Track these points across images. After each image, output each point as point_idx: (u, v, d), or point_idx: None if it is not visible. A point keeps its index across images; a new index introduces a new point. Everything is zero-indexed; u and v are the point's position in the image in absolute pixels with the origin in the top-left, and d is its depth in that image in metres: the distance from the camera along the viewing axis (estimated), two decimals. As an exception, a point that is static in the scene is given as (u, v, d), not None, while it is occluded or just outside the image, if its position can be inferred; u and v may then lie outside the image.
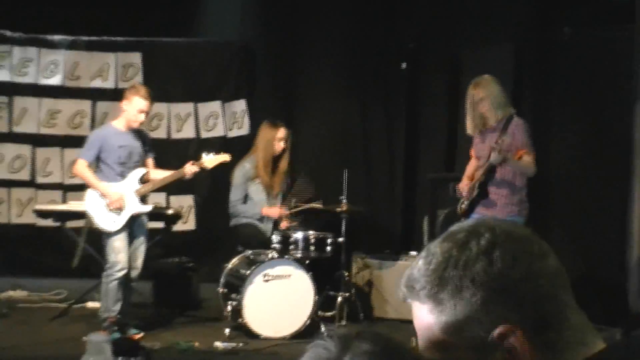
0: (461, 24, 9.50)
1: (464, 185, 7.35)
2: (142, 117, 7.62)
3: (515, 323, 1.38)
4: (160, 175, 7.82)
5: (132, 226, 7.65)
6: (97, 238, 7.79)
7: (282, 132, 8.48)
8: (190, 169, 7.73)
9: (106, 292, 7.53)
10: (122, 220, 7.54)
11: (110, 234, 7.51)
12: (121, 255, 7.50)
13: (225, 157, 8.00)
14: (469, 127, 7.28)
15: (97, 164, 7.61)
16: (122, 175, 7.60)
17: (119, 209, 7.52)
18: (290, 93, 10.38)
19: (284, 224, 8.48)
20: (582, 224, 8.34)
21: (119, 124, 7.68)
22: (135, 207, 7.61)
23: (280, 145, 8.47)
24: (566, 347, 1.38)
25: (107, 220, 7.52)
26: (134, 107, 7.54)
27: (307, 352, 1.37)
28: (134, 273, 7.70)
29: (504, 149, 6.87)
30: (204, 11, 10.43)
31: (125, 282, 7.59)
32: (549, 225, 8.37)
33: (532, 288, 1.37)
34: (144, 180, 7.73)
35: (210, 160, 7.91)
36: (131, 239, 7.64)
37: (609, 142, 8.45)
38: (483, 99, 7.12)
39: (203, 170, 7.94)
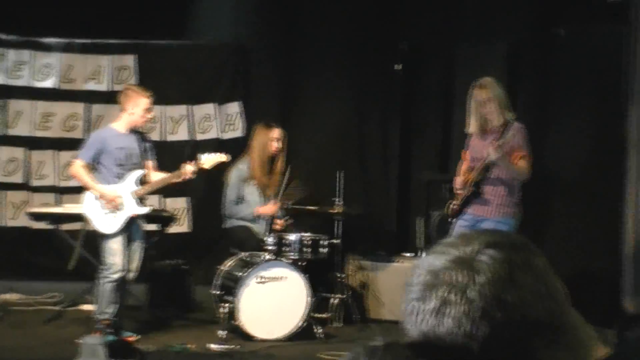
0: (455, 24, 9.52)
1: (458, 181, 7.35)
2: (150, 115, 7.74)
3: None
4: (159, 177, 7.82)
5: (129, 228, 7.64)
6: (92, 240, 7.78)
7: (276, 133, 8.48)
8: (187, 169, 7.73)
9: (101, 294, 7.52)
10: (119, 222, 7.53)
11: (107, 236, 7.50)
12: (118, 258, 7.49)
13: (223, 157, 7.99)
14: (472, 126, 7.26)
15: (94, 165, 7.61)
16: (120, 177, 7.59)
17: (115, 210, 7.51)
18: (285, 95, 10.38)
19: (278, 224, 8.47)
20: (577, 223, 8.35)
21: (119, 126, 7.68)
22: (132, 209, 7.60)
23: (275, 146, 8.47)
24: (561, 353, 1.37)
25: (104, 223, 7.52)
26: (141, 107, 7.58)
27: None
28: (130, 275, 7.69)
29: (505, 149, 6.89)
30: (198, 13, 10.43)
31: (122, 284, 7.58)
32: (544, 225, 8.38)
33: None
34: (142, 182, 7.73)
35: (208, 160, 7.90)
36: (128, 241, 7.63)
37: (604, 140, 8.47)
38: (489, 101, 7.12)
39: (201, 170, 7.94)
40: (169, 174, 7.80)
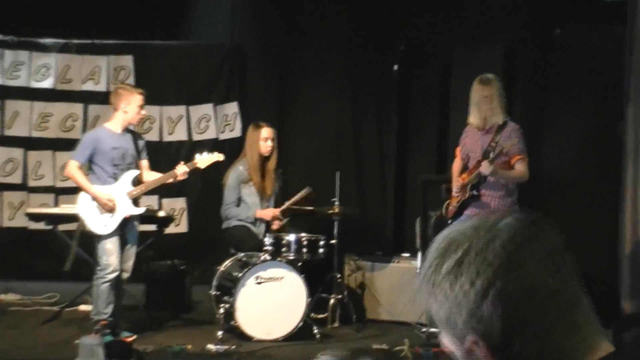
0: (452, 25, 9.52)
1: (454, 183, 7.36)
2: (143, 112, 7.73)
3: (480, 336, 1.39)
4: (153, 177, 7.82)
5: (124, 229, 7.64)
6: (89, 241, 7.78)
7: (266, 132, 8.46)
8: (181, 169, 7.74)
9: (98, 294, 7.53)
10: (114, 223, 7.53)
11: (102, 237, 7.50)
12: (113, 258, 7.49)
13: (218, 157, 8.01)
14: (477, 119, 7.23)
15: (90, 165, 7.61)
16: (115, 177, 7.59)
17: (110, 211, 7.51)
18: (282, 95, 10.37)
19: (275, 225, 8.48)
20: (574, 224, 8.35)
21: (112, 125, 7.68)
22: (127, 209, 7.60)
23: (267, 146, 8.45)
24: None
25: (99, 223, 7.51)
26: (135, 105, 7.59)
27: None
28: (125, 275, 7.69)
29: (498, 160, 6.89)
30: (195, 13, 10.44)
31: (117, 284, 7.58)
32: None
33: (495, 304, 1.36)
34: (136, 182, 7.73)
35: (203, 160, 7.92)
36: (122, 241, 7.63)
37: (602, 141, 8.48)
38: (491, 97, 7.12)
39: (197, 170, 7.95)
40: (163, 175, 7.81)
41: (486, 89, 7.16)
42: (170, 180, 7.84)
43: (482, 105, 7.16)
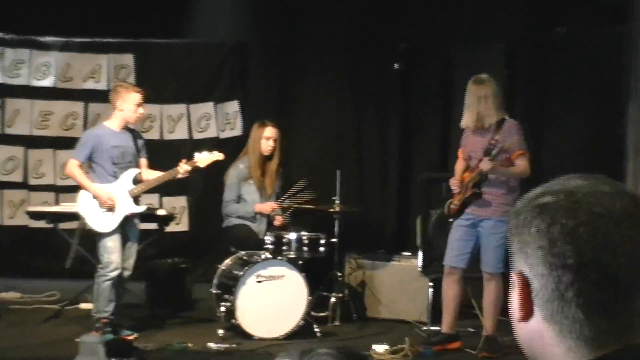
0: (454, 23, 9.52)
1: (455, 182, 7.37)
2: (141, 110, 7.68)
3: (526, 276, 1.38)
4: (153, 175, 7.82)
5: (125, 227, 7.64)
6: (90, 239, 7.78)
7: (269, 131, 8.46)
8: (182, 167, 7.73)
9: (99, 292, 7.53)
10: (115, 221, 7.53)
11: (103, 235, 7.50)
12: (114, 256, 7.49)
13: (218, 156, 8.00)
14: (467, 120, 7.26)
15: (89, 164, 7.61)
16: (115, 176, 7.59)
17: (111, 210, 7.51)
18: (284, 93, 10.37)
19: (277, 221, 8.47)
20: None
21: (112, 124, 7.68)
22: (128, 207, 7.60)
23: (268, 145, 8.45)
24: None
25: (100, 222, 7.51)
26: (132, 103, 7.57)
27: None
28: (125, 274, 7.69)
29: (499, 158, 6.90)
30: (196, 12, 10.43)
31: (118, 282, 7.58)
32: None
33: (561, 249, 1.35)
34: (137, 180, 7.72)
35: (203, 159, 7.91)
36: (123, 239, 7.63)
37: (603, 140, 8.48)
38: (486, 97, 7.13)
39: (197, 169, 7.94)
40: (163, 173, 7.80)
41: (481, 89, 7.18)
42: (170, 178, 7.84)
43: (478, 106, 7.17)
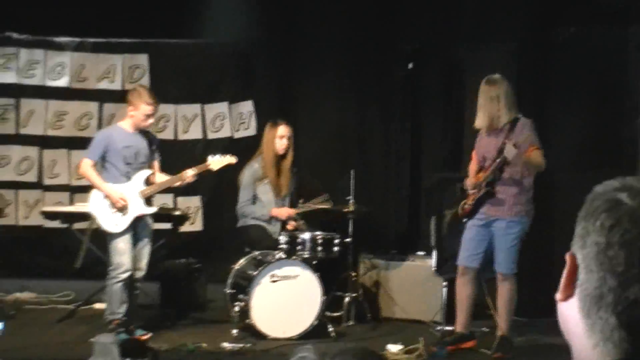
0: (461, 24, 9.50)
1: (469, 182, 7.36)
2: (150, 120, 7.67)
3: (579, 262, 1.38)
4: (161, 179, 7.81)
5: (137, 228, 7.64)
6: (103, 239, 7.79)
7: (282, 130, 8.46)
8: (188, 173, 7.72)
9: (111, 294, 7.54)
10: (126, 221, 7.53)
11: (114, 236, 7.51)
12: (125, 257, 7.49)
13: (231, 160, 8.00)
14: (481, 121, 7.25)
15: (103, 163, 7.62)
16: (128, 176, 7.59)
17: (123, 210, 7.52)
18: (296, 93, 10.36)
19: (291, 225, 8.47)
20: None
21: (126, 124, 7.69)
22: (139, 208, 7.61)
23: (282, 144, 8.45)
24: None
25: (111, 222, 7.52)
26: (141, 113, 7.57)
27: None
28: (139, 274, 7.70)
29: (518, 144, 6.88)
30: (210, 12, 10.42)
31: (130, 283, 7.59)
32: (549, 226, 8.35)
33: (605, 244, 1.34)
34: (148, 182, 7.73)
35: (216, 162, 7.91)
36: (135, 240, 7.64)
37: (604, 141, 8.46)
38: (498, 97, 7.12)
39: (209, 172, 7.95)
40: (170, 177, 7.79)
41: (492, 89, 7.17)
42: (178, 183, 7.82)
43: (490, 106, 7.16)
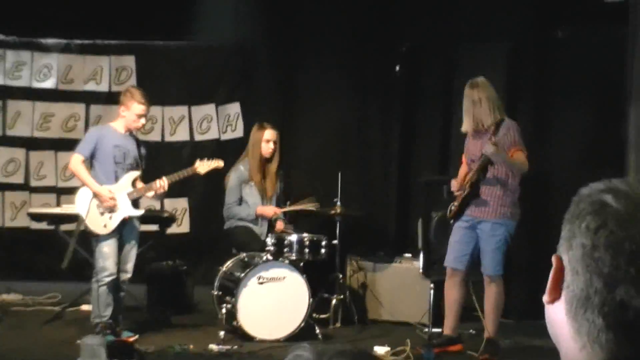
0: (456, 24, 9.51)
1: (455, 183, 7.38)
2: (142, 121, 7.64)
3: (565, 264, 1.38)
4: (139, 186, 7.75)
5: (123, 230, 7.61)
6: (88, 240, 7.76)
7: (269, 134, 8.46)
8: (159, 184, 7.65)
9: (96, 297, 7.51)
10: (113, 223, 7.50)
11: (99, 239, 7.47)
12: (109, 262, 7.46)
13: (218, 163, 7.98)
14: (466, 125, 7.28)
15: (91, 162, 7.56)
16: (116, 176, 7.56)
17: (111, 210, 7.49)
18: (285, 95, 10.36)
19: (279, 226, 8.47)
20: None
21: (117, 125, 7.66)
22: (127, 210, 7.58)
23: (269, 148, 8.45)
24: None
25: (98, 223, 7.48)
26: (133, 113, 7.54)
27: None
28: (125, 277, 7.66)
29: (499, 145, 6.90)
30: (198, 14, 10.42)
31: (116, 286, 7.57)
32: (545, 225, 8.38)
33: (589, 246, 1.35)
34: (134, 185, 7.69)
35: (203, 166, 7.90)
36: (122, 242, 7.60)
37: (603, 141, 8.47)
38: (481, 100, 7.14)
39: (196, 175, 7.94)
40: (144, 186, 7.71)
41: (475, 92, 7.19)
42: (149, 193, 7.73)
43: (474, 110, 7.19)
